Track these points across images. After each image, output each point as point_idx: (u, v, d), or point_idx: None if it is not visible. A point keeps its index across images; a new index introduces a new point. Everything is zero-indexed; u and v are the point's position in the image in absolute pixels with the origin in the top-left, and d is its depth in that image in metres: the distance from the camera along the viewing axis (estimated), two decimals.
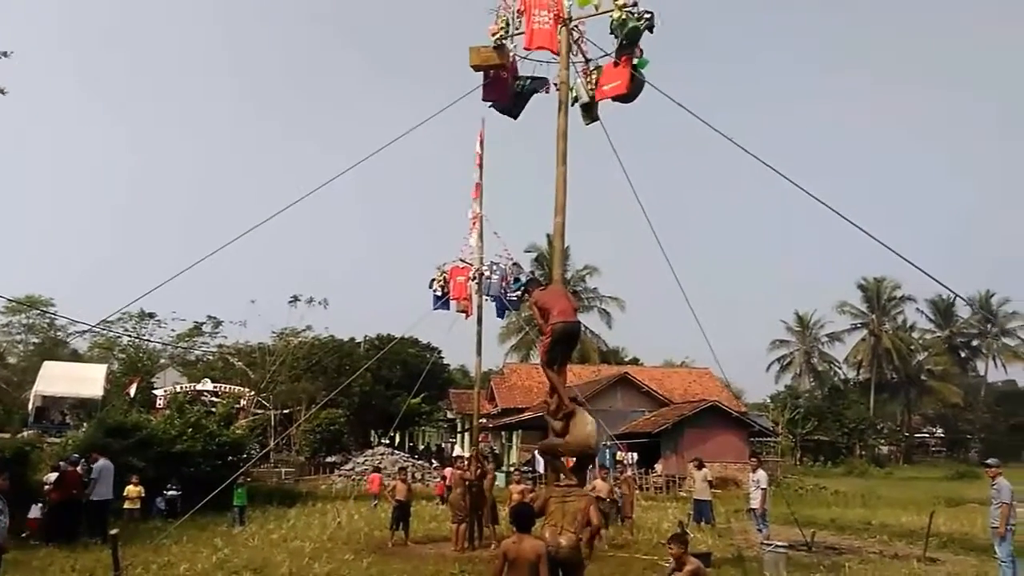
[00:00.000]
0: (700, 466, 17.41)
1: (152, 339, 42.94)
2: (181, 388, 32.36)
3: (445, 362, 58.81)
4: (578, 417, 8.18)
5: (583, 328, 59.85)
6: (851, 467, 51.32)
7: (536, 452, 30.81)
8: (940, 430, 74.33)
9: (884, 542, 15.96)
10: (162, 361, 45.82)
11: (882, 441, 64.82)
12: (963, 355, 73.15)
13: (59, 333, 47.39)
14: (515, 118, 10.46)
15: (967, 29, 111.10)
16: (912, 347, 68.94)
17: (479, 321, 16.40)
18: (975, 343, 72.84)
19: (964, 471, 45.79)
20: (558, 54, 9.38)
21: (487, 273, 16.22)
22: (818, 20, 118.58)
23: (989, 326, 68.50)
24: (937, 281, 8.22)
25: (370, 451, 34.88)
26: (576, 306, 8.52)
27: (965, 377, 71.40)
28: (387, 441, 43.11)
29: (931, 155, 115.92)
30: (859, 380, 70.67)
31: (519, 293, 16.95)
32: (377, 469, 26.42)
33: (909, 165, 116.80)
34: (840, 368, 72.75)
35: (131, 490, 17.52)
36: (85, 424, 26.44)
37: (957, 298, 61.58)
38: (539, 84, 10.06)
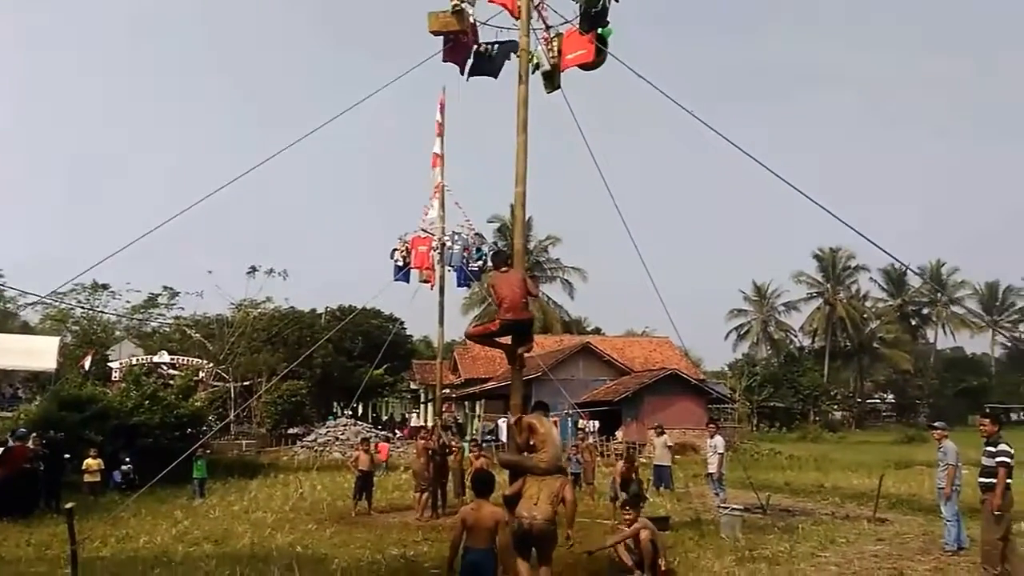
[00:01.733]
0: (660, 432, 17.73)
1: (106, 311, 42.01)
2: (137, 360, 31.79)
3: (408, 333, 58.80)
4: (544, 431, 7.50)
5: (546, 299, 60.23)
6: (805, 432, 52.76)
7: (498, 422, 31.17)
8: (891, 396, 76.73)
9: (836, 504, 16.46)
10: (117, 333, 44.86)
11: (835, 407, 66.71)
12: (914, 323, 75.33)
13: (8, 305, 46.11)
14: (495, 77, 10.29)
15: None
16: (865, 316, 70.72)
17: (441, 291, 16.39)
18: (925, 311, 75.03)
19: (913, 435, 47.38)
20: (518, 16, 9.25)
21: (449, 243, 16.16)
22: None
23: (939, 295, 70.52)
24: (887, 253, 8.41)
25: (332, 422, 34.79)
26: (528, 296, 8.17)
27: (915, 344, 73.61)
28: (350, 412, 43.02)
29: (887, 125, 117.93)
30: (814, 348, 72.42)
31: (481, 263, 16.96)
32: (387, 439, 26.82)
33: (865, 136, 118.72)
34: (796, 336, 74.59)
35: (90, 463, 17.22)
36: (38, 397, 25.89)
37: (907, 269, 63.14)
38: (512, 48, 9.85)
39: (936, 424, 11.47)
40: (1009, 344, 74.67)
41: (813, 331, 71.19)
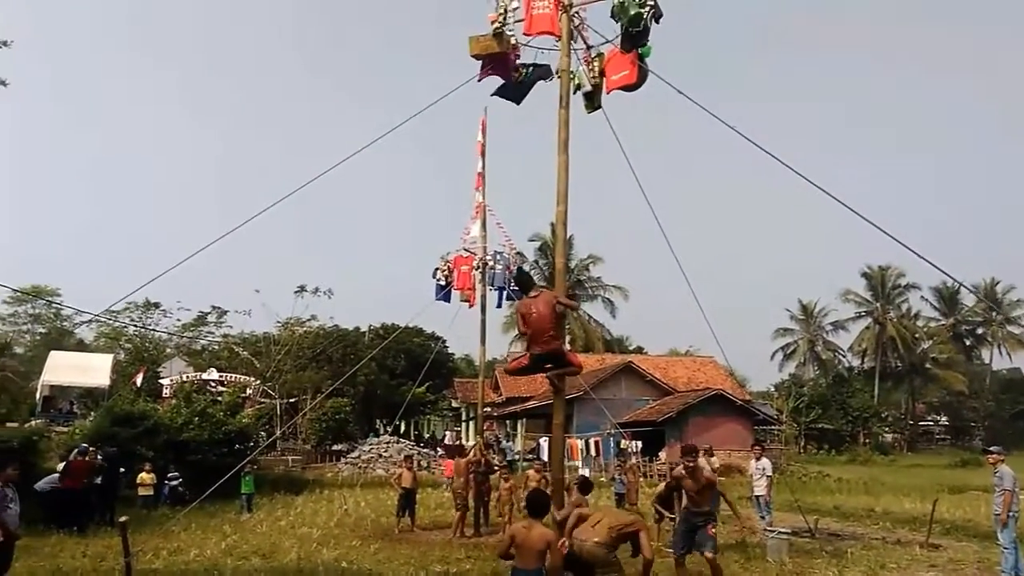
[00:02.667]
0: (710, 454, 17.46)
1: (158, 329, 43.16)
2: (187, 377, 32.56)
3: (450, 351, 58.96)
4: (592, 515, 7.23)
5: (587, 318, 60.00)
6: (855, 455, 51.42)
7: (539, 441, 31.05)
8: (944, 418, 74.34)
9: (887, 529, 16.03)
10: (168, 351, 46.05)
11: (886, 429, 64.89)
12: (968, 343, 73.06)
13: (65, 323, 47.71)
14: (517, 103, 10.36)
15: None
16: (917, 335, 68.85)
17: (483, 310, 16.48)
18: (980, 331, 72.76)
19: (968, 459, 45.84)
20: (560, 38, 9.34)
21: (490, 263, 16.27)
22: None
23: (994, 314, 68.35)
24: (941, 270, 8.23)
25: (376, 439, 35.08)
26: (555, 322, 7.85)
27: (970, 365, 71.35)
28: (392, 430, 43.33)
29: (938, 142, 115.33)
30: (863, 368, 70.66)
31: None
32: (451, 456, 26.93)
33: (915, 151, 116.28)
34: (844, 356, 72.85)
35: (144, 477, 17.69)
36: (92, 413, 26.67)
37: (962, 286, 61.41)
38: (543, 72, 9.98)
39: (991, 448, 11.08)
40: None
41: (862, 351, 69.51)
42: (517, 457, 33.54)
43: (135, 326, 42.37)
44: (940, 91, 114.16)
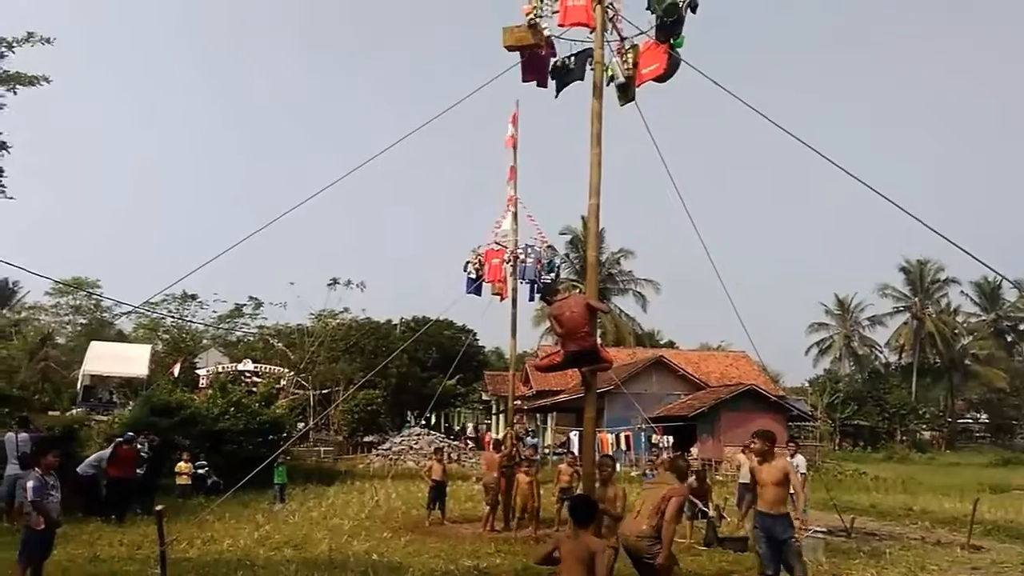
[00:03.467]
0: (749, 450, 17.16)
1: (195, 320, 43.87)
2: (223, 368, 33.03)
3: (480, 344, 59.11)
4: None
5: (618, 311, 59.69)
6: (892, 452, 50.56)
7: (570, 435, 30.97)
8: (984, 415, 72.73)
9: (926, 529, 15.70)
10: (204, 342, 46.81)
11: (924, 426, 63.64)
12: (1009, 339, 71.29)
13: (105, 314, 48.70)
14: (581, 79, 10.07)
15: None
16: (956, 331, 67.37)
17: (514, 304, 16.40)
18: (1022, 327, 70.95)
19: (1009, 457, 44.86)
20: (594, 29, 9.21)
21: (522, 256, 16.21)
22: None
23: None
24: (983, 263, 7.95)
25: (407, 431, 35.30)
26: (589, 322, 7.87)
27: (1011, 361, 69.59)
28: (423, 422, 43.59)
29: (977, 134, 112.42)
30: (901, 364, 69.41)
31: (553, 276, 16.95)
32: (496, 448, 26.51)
33: (953, 144, 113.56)
34: (881, 352, 71.64)
35: (182, 466, 17.98)
36: (131, 403, 27.18)
37: (1004, 280, 59.78)
38: (586, 55, 9.70)
39: None
40: None
41: (900, 347, 68.23)
42: (547, 451, 33.50)
43: (173, 317, 43.13)
44: (988, 81, 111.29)
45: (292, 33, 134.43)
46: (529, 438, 31.77)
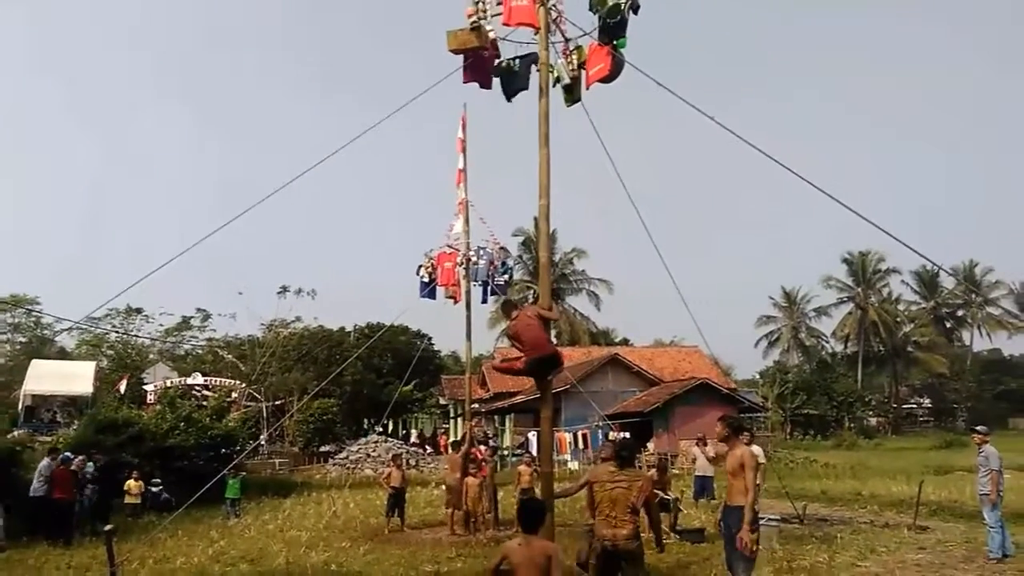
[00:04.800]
0: (704, 443, 17.44)
1: (140, 334, 42.79)
2: (171, 383, 32.27)
3: (436, 348, 58.91)
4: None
5: (573, 311, 60.10)
6: (840, 439, 51.85)
7: (528, 435, 31.05)
8: (927, 400, 75.20)
9: (875, 512, 16.15)
10: (151, 356, 45.66)
11: (870, 413, 65.48)
12: (948, 325, 73.90)
13: (46, 331, 47.13)
14: (526, 88, 10.08)
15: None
16: (898, 319, 69.53)
17: (468, 306, 16.37)
18: (960, 313, 73.62)
19: (951, 440, 46.34)
20: (539, 30, 9.25)
21: (474, 258, 16.19)
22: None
23: (973, 296, 69.13)
24: (920, 254, 8.23)
25: (363, 439, 34.96)
26: (548, 329, 8.18)
27: (951, 347, 72.15)
28: (380, 429, 43.19)
29: (914, 125, 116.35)
30: (846, 353, 71.30)
31: (506, 278, 16.98)
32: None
33: (892, 135, 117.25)
34: (828, 342, 73.48)
35: (132, 485, 17.49)
36: (76, 422, 26.36)
37: (940, 269, 62.06)
38: (532, 59, 9.76)
39: (978, 428, 11.08)
40: None
41: (845, 336, 70.12)
42: (506, 452, 33.51)
43: (117, 332, 42.00)
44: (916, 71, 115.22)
45: (234, 42, 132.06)
46: (491, 441, 31.81)
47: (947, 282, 69.99)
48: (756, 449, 14.94)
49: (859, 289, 68.88)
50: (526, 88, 9.94)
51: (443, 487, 16.19)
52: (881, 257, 67.43)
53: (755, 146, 8.46)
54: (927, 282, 70.82)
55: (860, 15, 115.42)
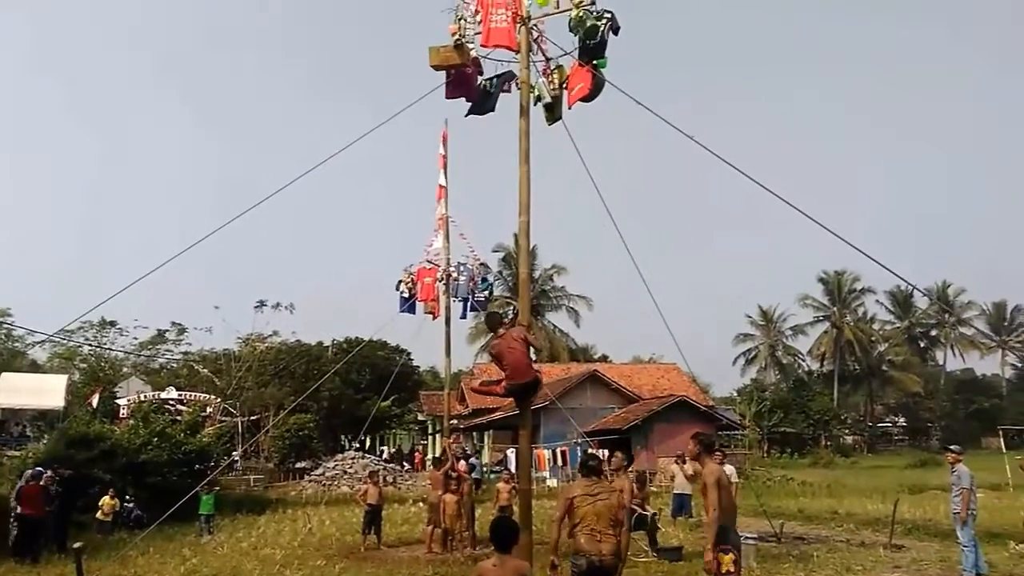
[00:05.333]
0: (682, 461, 17.43)
1: (114, 348, 42.17)
2: (145, 397, 31.81)
3: (415, 364, 58.61)
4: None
5: (552, 327, 60.13)
6: (817, 458, 52.14)
7: (506, 452, 30.95)
8: (902, 419, 75.91)
9: (851, 531, 16.23)
10: (125, 370, 44.99)
11: (846, 431, 65.99)
12: (922, 345, 74.82)
13: (17, 344, 46.35)
14: (492, 110, 10.23)
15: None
16: (873, 338, 70.31)
17: (447, 322, 16.36)
18: (933, 333, 74.58)
19: (926, 459, 46.75)
20: (518, 51, 9.35)
21: (454, 274, 16.20)
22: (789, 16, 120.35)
23: (947, 316, 70.11)
24: (894, 274, 8.38)
25: (340, 456, 34.61)
26: (531, 353, 8.13)
27: (925, 366, 73.02)
28: (357, 445, 42.80)
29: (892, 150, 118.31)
30: (823, 372, 71.87)
31: (487, 294, 17.00)
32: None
33: (870, 158, 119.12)
34: (804, 360, 74.00)
35: (106, 501, 17.18)
36: (46, 436, 25.90)
37: (915, 290, 62.95)
38: (507, 78, 9.91)
39: (952, 447, 11.25)
40: (1019, 364, 74.12)
41: (821, 355, 70.74)
42: (485, 469, 33.33)
43: (90, 345, 41.36)
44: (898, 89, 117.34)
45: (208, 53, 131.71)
46: (473, 459, 31.67)
47: (921, 302, 71.08)
48: (729, 468, 14.99)
49: (835, 308, 69.62)
50: (493, 110, 10.09)
51: (421, 504, 16.09)
52: (856, 277, 68.34)
53: (729, 163, 8.56)
54: (901, 302, 71.79)
55: (859, 16, 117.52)
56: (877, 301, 71.93)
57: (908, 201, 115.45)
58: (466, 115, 10.22)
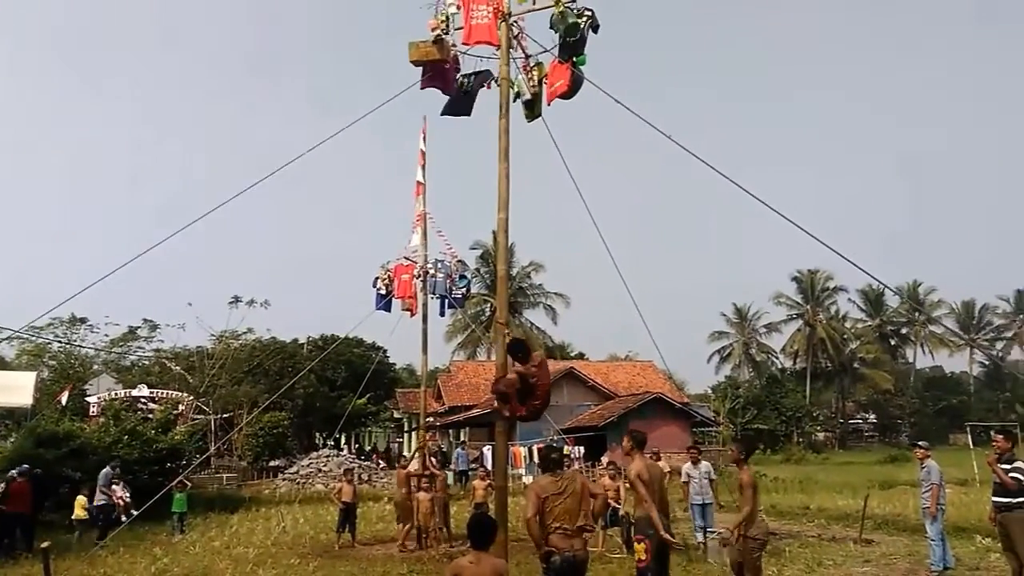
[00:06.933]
0: (657, 457, 17.42)
1: (84, 344, 41.41)
2: (116, 395, 31.32)
3: (391, 361, 58.37)
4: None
5: (529, 325, 60.22)
6: (789, 454, 52.80)
7: (483, 449, 30.92)
8: (873, 416, 77.12)
9: (822, 526, 16.46)
10: (95, 367, 44.21)
11: (818, 428, 66.88)
12: (893, 343, 76.02)
13: None
14: (468, 115, 10.23)
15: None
16: (845, 336, 71.31)
17: (424, 319, 16.29)
18: (904, 331, 75.81)
19: (896, 455, 47.52)
20: (499, 47, 9.33)
21: (432, 271, 16.13)
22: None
23: (917, 314, 71.28)
24: (866, 272, 8.46)
25: (315, 454, 34.38)
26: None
27: (895, 364, 74.21)
28: (332, 443, 42.51)
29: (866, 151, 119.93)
30: (796, 369, 72.76)
31: (464, 291, 16.95)
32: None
33: (844, 156, 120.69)
34: (777, 358, 74.91)
35: (81, 500, 16.90)
36: (14, 435, 25.40)
37: (886, 288, 63.86)
38: (484, 78, 9.93)
39: (920, 443, 11.42)
40: (987, 362, 75.66)
41: (794, 352, 71.62)
42: (472, 467, 33.26)
43: (60, 342, 40.59)
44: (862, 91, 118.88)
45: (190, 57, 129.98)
46: (459, 450, 31.69)
47: (892, 301, 72.23)
48: (704, 465, 14.83)
49: (808, 306, 70.50)
50: (468, 114, 10.06)
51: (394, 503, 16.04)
52: (829, 276, 69.33)
53: (704, 160, 8.58)
54: (873, 300, 72.87)
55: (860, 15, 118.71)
56: (849, 300, 73.27)
57: (882, 201, 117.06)
58: (441, 114, 10.19)
